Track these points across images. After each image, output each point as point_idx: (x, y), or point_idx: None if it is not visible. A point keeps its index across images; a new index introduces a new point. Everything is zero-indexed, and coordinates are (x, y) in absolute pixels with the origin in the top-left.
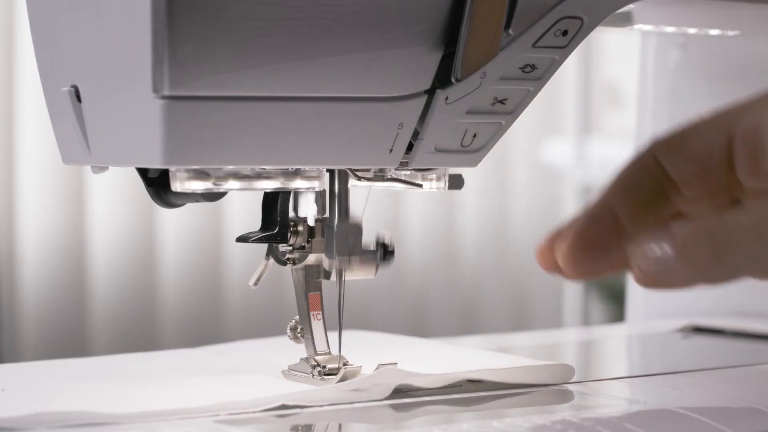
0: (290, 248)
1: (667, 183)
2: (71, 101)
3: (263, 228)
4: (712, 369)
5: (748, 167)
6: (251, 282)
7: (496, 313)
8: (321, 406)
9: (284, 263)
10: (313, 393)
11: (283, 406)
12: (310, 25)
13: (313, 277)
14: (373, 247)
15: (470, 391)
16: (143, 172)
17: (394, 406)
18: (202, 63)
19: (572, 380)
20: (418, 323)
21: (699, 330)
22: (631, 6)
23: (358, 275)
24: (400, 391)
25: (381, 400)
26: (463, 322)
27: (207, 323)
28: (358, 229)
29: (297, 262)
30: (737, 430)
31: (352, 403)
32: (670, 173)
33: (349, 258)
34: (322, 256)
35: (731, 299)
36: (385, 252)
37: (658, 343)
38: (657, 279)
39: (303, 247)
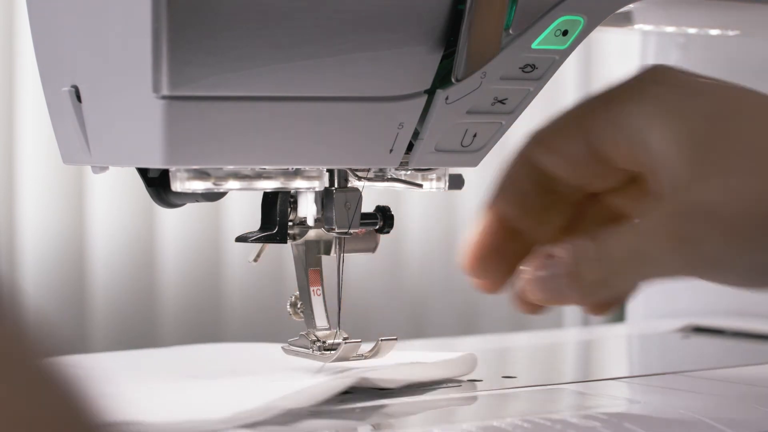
0: (291, 224)
1: (551, 181)
2: (71, 101)
3: (263, 228)
4: (712, 369)
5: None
6: (251, 258)
7: (497, 313)
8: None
9: None
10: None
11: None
12: (310, 25)
13: (313, 253)
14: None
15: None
16: (143, 172)
17: (394, 406)
18: (202, 63)
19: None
20: (418, 323)
21: (699, 330)
22: (631, 6)
23: (358, 250)
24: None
25: (378, 399)
26: (463, 322)
27: (207, 323)
28: (357, 198)
29: (297, 237)
30: (737, 430)
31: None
32: (549, 171)
33: (349, 229)
34: (322, 231)
35: (731, 299)
36: (384, 219)
37: (658, 343)
38: (551, 299)
39: (303, 222)
